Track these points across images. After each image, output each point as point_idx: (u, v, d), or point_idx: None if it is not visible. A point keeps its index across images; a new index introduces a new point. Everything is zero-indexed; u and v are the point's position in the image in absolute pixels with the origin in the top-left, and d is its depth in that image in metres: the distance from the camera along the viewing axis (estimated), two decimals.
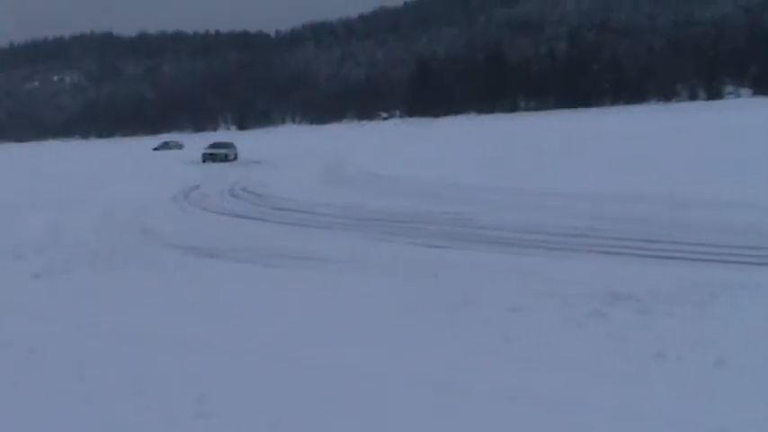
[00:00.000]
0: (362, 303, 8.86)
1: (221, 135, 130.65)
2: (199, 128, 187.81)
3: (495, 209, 16.47)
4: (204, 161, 48.39)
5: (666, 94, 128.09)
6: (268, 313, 8.62)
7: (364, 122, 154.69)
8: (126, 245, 14.00)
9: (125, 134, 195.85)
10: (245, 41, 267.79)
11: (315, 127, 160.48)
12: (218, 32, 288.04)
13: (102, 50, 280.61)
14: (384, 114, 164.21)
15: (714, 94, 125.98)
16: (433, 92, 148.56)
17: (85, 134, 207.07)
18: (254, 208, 20.02)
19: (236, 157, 49.94)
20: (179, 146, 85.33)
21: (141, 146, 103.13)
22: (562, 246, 12.20)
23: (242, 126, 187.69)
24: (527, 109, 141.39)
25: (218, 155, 49.68)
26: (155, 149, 79.25)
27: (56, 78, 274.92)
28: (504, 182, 21.37)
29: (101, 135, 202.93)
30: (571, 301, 8.58)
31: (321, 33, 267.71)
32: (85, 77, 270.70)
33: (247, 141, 79.69)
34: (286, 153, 52.79)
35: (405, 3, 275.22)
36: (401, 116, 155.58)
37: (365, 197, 20.85)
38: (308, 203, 19.91)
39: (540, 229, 13.66)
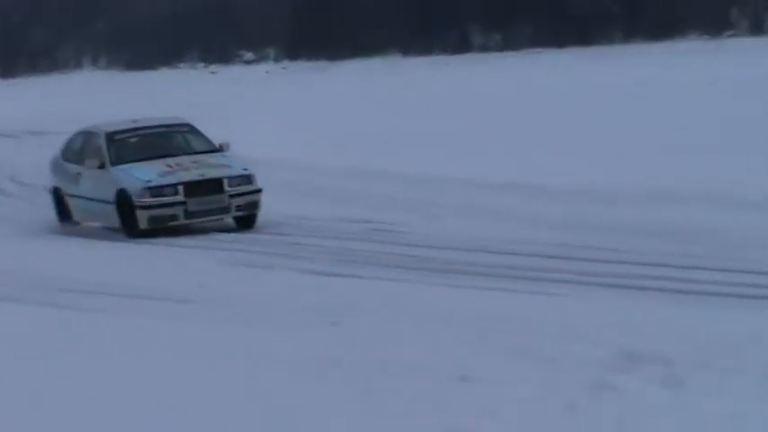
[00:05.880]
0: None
1: None
2: None
3: (434, 214, 13.50)
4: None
5: (716, 24, 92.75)
6: None
7: (214, 68, 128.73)
8: None
9: None
10: None
11: (134, 75, 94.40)
12: None
13: None
14: (248, 55, 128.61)
15: None
16: (330, 18, 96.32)
17: None
18: None
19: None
20: None
21: None
22: (538, 274, 9.71)
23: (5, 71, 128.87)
24: (485, 48, 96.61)
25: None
26: None
27: None
28: (448, 169, 17.07)
29: None
30: (559, 366, 6.30)
31: None
32: None
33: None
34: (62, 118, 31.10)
35: None
36: (276, 58, 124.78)
37: None
38: None
39: (504, 246, 10.99)
